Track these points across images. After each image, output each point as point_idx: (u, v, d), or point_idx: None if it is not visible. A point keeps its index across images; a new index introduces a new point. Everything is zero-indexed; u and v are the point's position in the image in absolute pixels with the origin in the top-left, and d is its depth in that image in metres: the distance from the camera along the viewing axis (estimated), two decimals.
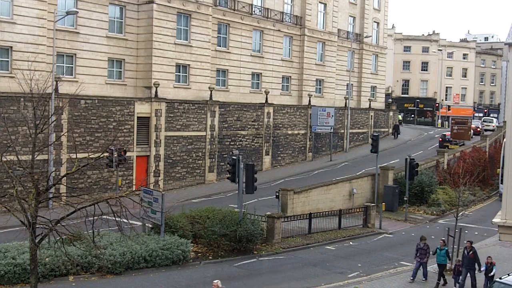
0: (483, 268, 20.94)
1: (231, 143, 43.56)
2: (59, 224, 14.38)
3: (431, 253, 22.81)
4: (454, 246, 24.24)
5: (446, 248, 22.46)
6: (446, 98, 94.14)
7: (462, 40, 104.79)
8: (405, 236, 31.38)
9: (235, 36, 47.10)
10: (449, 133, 58.38)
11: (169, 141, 38.86)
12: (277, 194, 31.60)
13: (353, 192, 37.16)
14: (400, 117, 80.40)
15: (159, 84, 38.19)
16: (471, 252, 21.27)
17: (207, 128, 41.41)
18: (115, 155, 30.24)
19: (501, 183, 38.76)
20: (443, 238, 23.37)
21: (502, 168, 37.73)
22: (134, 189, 33.25)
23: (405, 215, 35.67)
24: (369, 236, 30.98)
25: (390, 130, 65.39)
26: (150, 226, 25.04)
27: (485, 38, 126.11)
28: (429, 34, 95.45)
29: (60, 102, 31.21)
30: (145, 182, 36.00)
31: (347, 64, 61.66)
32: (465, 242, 22.30)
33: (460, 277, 21.29)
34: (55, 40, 31.82)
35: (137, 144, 37.00)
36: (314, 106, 52.11)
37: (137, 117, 36.85)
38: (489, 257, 21.12)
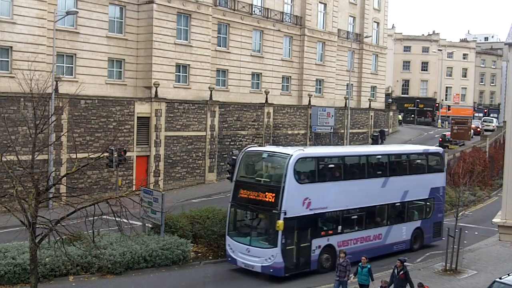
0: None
1: (231, 143, 43.55)
2: (59, 224, 14.38)
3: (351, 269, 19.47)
4: (454, 247, 24.08)
5: (369, 266, 19.20)
6: (446, 98, 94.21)
7: (462, 40, 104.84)
8: None
9: (235, 36, 47.11)
10: (449, 133, 58.37)
11: (169, 141, 38.86)
12: None
13: None
14: (400, 117, 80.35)
15: (159, 84, 38.20)
16: (402, 272, 18.64)
17: (207, 128, 41.41)
18: (115, 155, 30.20)
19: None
20: (365, 255, 19.96)
21: None
22: (134, 189, 33.21)
23: None
24: None
25: (384, 133, 64.59)
26: (150, 226, 25.01)
27: (485, 38, 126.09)
28: (429, 34, 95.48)
29: (60, 102, 31.20)
30: (145, 182, 35.97)
31: (347, 64, 61.65)
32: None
33: None
34: (55, 40, 31.80)
35: (137, 144, 37.01)
36: (314, 106, 52.12)
37: (137, 117, 36.85)
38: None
